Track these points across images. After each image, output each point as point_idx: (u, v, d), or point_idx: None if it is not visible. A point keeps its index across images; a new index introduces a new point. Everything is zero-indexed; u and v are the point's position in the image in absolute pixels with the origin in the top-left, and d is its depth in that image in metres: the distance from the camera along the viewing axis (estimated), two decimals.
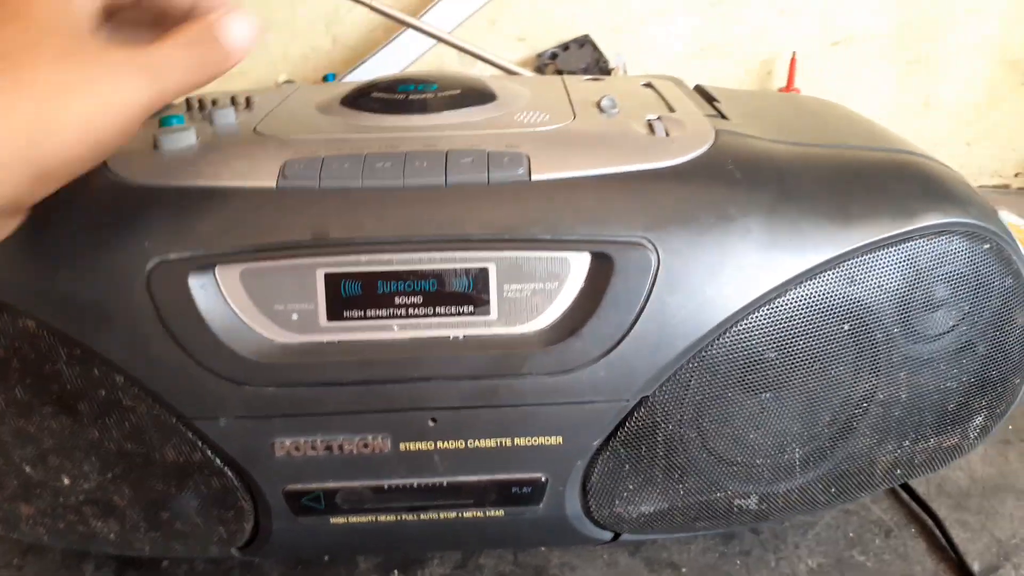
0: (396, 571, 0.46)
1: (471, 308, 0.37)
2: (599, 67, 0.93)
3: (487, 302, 0.37)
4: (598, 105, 0.45)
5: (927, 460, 0.44)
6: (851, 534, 0.48)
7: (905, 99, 1.03)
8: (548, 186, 0.38)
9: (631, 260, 0.36)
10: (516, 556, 0.46)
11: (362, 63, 0.74)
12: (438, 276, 0.37)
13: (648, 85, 0.52)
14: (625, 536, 0.43)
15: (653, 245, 0.36)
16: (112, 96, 0.31)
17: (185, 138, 0.40)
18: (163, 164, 0.39)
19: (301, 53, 1.01)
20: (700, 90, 0.53)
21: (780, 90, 0.95)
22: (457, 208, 0.37)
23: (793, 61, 0.95)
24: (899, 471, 0.44)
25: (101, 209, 0.37)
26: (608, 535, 0.43)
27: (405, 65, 0.85)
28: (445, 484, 0.39)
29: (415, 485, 0.39)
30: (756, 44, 1.00)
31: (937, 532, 0.48)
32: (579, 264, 0.37)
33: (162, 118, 0.43)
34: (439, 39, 0.84)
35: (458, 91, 0.45)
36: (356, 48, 0.99)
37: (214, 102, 0.47)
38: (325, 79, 1.04)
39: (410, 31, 0.85)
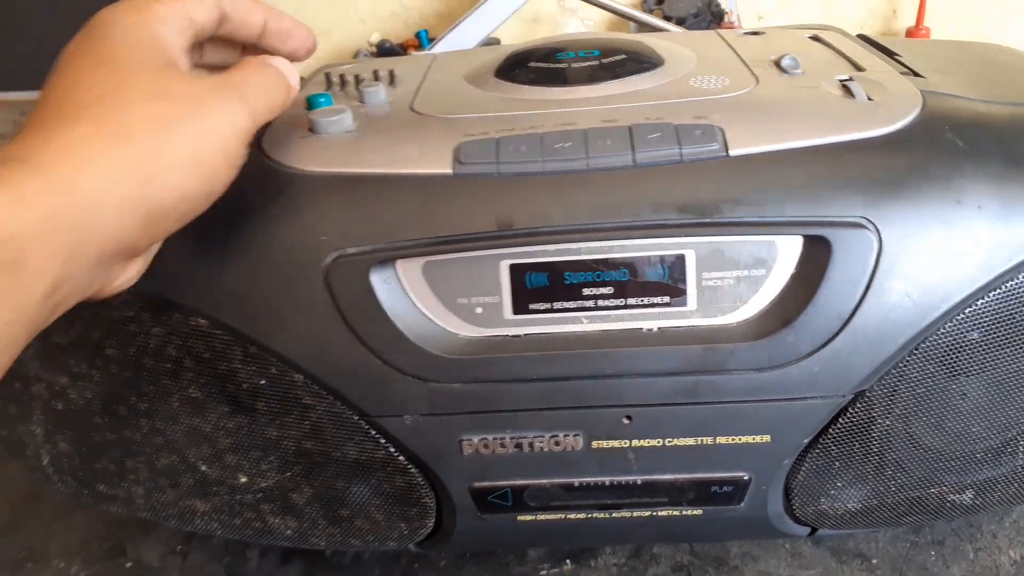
0: (568, 560, 0.44)
1: (666, 299, 0.35)
2: (711, 10, 0.87)
3: (684, 292, 0.34)
4: (778, 65, 0.41)
5: None
6: None
7: None
8: (749, 161, 0.34)
9: (850, 243, 0.33)
10: (692, 546, 0.45)
11: (464, 19, 0.70)
12: (630, 265, 0.34)
13: (815, 38, 0.48)
14: (823, 531, 0.41)
15: (874, 225, 0.33)
16: (211, 126, 0.30)
17: (343, 121, 0.38)
18: (326, 150, 0.37)
19: (389, 10, 0.98)
20: (867, 40, 0.48)
21: (908, 30, 0.88)
22: (648, 190, 0.34)
23: None
24: None
25: (268, 200, 0.35)
26: (805, 531, 0.41)
27: (505, 16, 0.80)
28: (640, 483, 0.37)
29: (608, 483, 0.37)
30: None
31: None
32: (789, 248, 0.34)
33: (308, 97, 0.41)
34: None
35: (622, 56, 0.42)
36: (446, 3, 0.95)
37: (356, 79, 0.44)
38: (417, 36, 1.01)
39: None
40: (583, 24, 0.91)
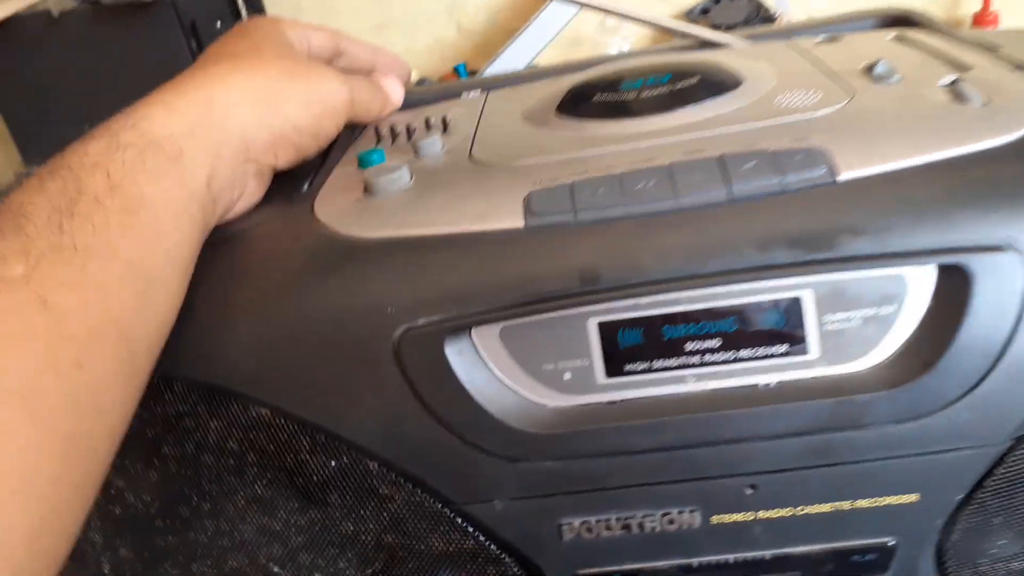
0: None
1: (784, 348, 0.30)
2: (760, 17, 0.83)
3: (803, 339, 0.30)
4: (870, 73, 0.37)
5: None
6: None
7: None
8: (862, 185, 0.30)
9: (993, 270, 0.28)
10: None
11: (509, 45, 0.67)
12: (738, 313, 0.30)
13: (900, 39, 0.44)
14: None
15: (1018, 248, 0.28)
16: (319, 84, 0.38)
17: (399, 178, 0.35)
18: (384, 211, 0.34)
19: (425, 45, 0.96)
20: (952, 35, 0.44)
21: (975, 17, 0.82)
22: (751, 226, 0.30)
23: None
24: None
25: (325, 273, 0.32)
26: None
27: (547, 42, 0.77)
28: (768, 557, 0.33)
29: (732, 561, 0.33)
30: None
31: None
32: (921, 281, 0.29)
33: (359, 155, 0.38)
34: (587, 5, 0.76)
35: (696, 79, 0.38)
36: (483, 34, 0.93)
37: (408, 130, 0.41)
38: (455, 71, 0.99)
39: (551, 4, 0.77)
40: (625, 42, 0.87)
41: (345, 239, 0.33)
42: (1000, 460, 0.30)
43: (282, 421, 0.32)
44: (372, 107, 0.43)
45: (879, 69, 0.37)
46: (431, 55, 0.95)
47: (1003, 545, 0.32)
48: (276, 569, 0.35)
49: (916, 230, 0.29)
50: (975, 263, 0.28)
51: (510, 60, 0.65)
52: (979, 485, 0.31)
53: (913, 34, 0.44)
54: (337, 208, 0.35)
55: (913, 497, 0.31)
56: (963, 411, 0.29)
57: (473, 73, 0.62)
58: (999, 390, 0.29)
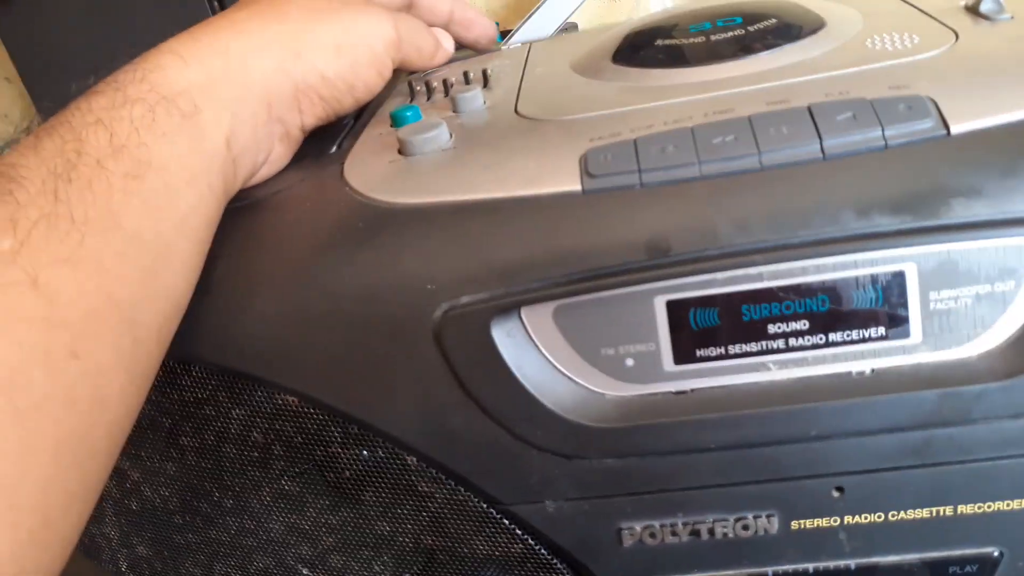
0: None
1: (882, 331, 0.26)
2: None
3: (906, 320, 0.26)
4: (974, 11, 0.32)
5: None
6: None
7: None
8: (978, 140, 0.26)
9: None
10: None
11: (542, 3, 0.62)
12: (830, 290, 0.26)
13: None
14: None
15: None
16: (356, 24, 0.34)
17: (437, 137, 0.31)
18: (421, 174, 0.30)
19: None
20: None
21: None
22: (848, 188, 0.26)
23: None
24: None
25: (356, 244, 0.28)
26: None
27: None
28: (854, 567, 0.29)
29: (811, 571, 0.29)
30: None
31: None
32: None
33: (392, 113, 0.34)
34: None
35: (773, 21, 0.34)
36: None
37: (444, 84, 0.38)
38: None
39: None
40: (669, 0, 0.82)
41: (378, 205, 0.29)
42: None
43: (311, 410, 0.29)
44: (425, 48, 0.38)
45: (986, 6, 0.32)
46: None
47: None
48: (305, 571, 0.32)
49: None
50: None
51: (545, 17, 0.60)
52: None
53: None
54: (369, 171, 0.31)
55: None
56: None
57: (506, 33, 0.57)
58: None
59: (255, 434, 0.30)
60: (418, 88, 0.38)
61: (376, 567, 0.32)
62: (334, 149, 0.34)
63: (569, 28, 0.76)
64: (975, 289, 0.26)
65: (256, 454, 0.30)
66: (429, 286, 0.27)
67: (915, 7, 0.35)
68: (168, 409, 0.30)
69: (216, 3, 0.74)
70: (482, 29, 0.43)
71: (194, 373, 0.30)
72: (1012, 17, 0.32)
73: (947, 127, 0.26)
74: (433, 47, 0.39)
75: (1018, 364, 0.26)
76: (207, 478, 0.31)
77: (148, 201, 0.26)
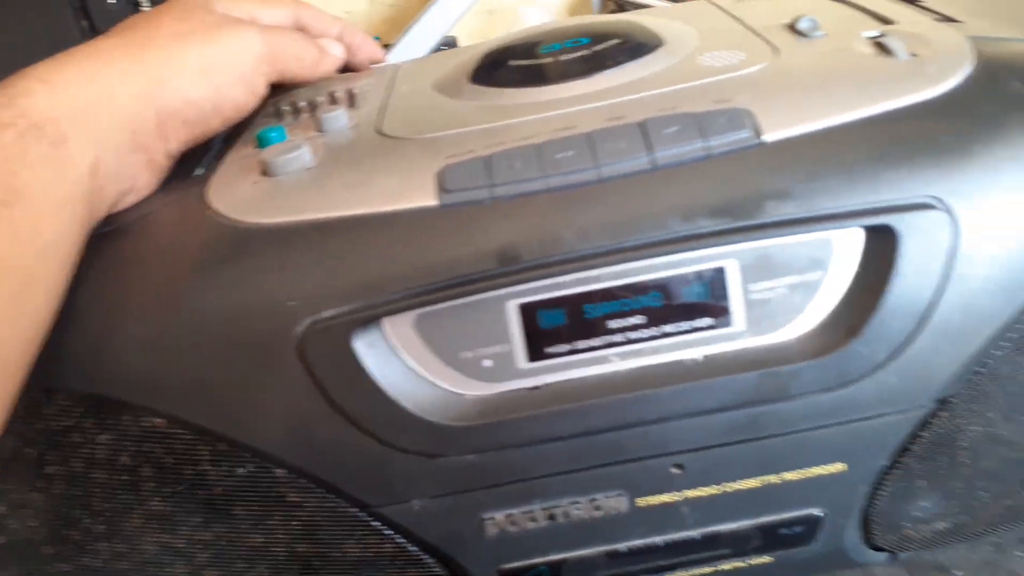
0: None
1: (709, 321, 0.29)
2: None
3: (728, 310, 0.29)
4: (793, 29, 0.36)
5: None
6: None
7: None
8: (787, 147, 0.29)
9: (920, 229, 0.27)
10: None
11: (419, 19, 0.64)
12: (661, 287, 0.29)
13: None
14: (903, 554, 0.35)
15: (945, 205, 0.27)
16: (223, 44, 0.34)
17: (299, 157, 0.32)
18: (282, 194, 0.31)
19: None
20: None
21: None
22: (674, 195, 0.28)
23: None
24: None
25: (219, 265, 0.29)
26: (884, 557, 0.35)
27: (463, 11, 0.74)
28: (698, 537, 0.32)
29: (660, 543, 0.32)
30: None
31: None
32: (847, 243, 0.28)
33: (258, 134, 0.35)
34: None
35: (616, 42, 0.36)
36: (395, 5, 0.89)
37: (311, 105, 0.38)
38: None
39: None
40: (543, 12, 0.85)
41: (239, 226, 0.30)
42: (924, 423, 0.30)
43: (179, 430, 0.30)
44: (304, 59, 0.39)
45: (802, 24, 0.35)
46: None
47: (926, 508, 0.32)
48: None
49: (844, 191, 0.28)
50: (901, 222, 0.27)
51: (424, 32, 0.62)
52: (904, 450, 0.30)
53: None
54: (232, 193, 0.32)
55: (840, 466, 0.30)
56: (890, 375, 0.28)
57: (387, 47, 0.58)
58: (924, 352, 0.28)
59: (124, 458, 0.30)
60: (285, 108, 0.39)
61: None
62: (199, 171, 0.35)
63: (449, 43, 0.78)
64: (788, 280, 0.29)
65: (126, 477, 0.30)
66: (290, 302, 0.28)
67: (745, 25, 0.38)
68: (32, 439, 0.30)
69: (85, 22, 0.72)
70: (369, 52, 0.44)
71: (59, 401, 0.30)
72: (826, 34, 0.35)
73: (760, 135, 0.29)
74: (316, 55, 0.40)
75: (828, 344, 0.29)
76: (76, 505, 0.31)
77: (15, 228, 0.26)
